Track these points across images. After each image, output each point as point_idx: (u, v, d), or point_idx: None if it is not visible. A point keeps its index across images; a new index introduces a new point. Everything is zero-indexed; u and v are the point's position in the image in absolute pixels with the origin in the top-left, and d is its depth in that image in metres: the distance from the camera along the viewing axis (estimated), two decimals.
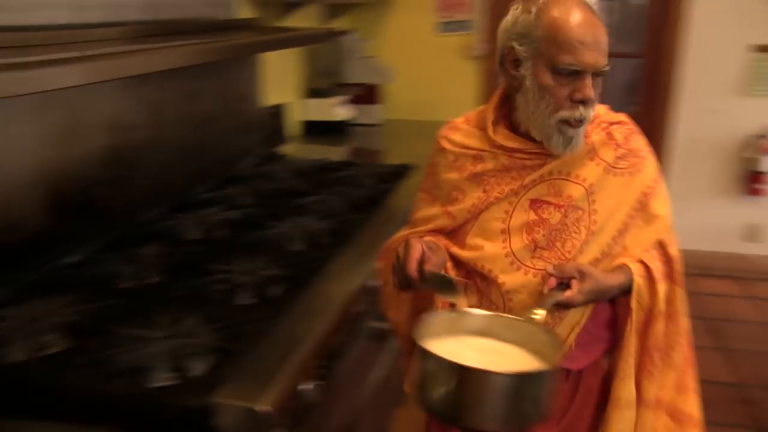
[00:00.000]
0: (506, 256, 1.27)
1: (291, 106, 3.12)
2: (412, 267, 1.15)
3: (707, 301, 3.74)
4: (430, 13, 3.81)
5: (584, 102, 1.20)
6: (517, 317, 1.20)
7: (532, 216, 1.28)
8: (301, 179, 2.34)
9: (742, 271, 4.04)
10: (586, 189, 1.28)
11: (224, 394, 1.11)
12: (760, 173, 3.80)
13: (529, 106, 1.24)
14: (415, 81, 3.82)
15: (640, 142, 1.38)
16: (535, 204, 1.29)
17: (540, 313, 1.17)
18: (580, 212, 1.27)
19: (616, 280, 1.26)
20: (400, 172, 2.47)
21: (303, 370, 1.24)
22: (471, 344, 1.17)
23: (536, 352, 1.14)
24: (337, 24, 3.64)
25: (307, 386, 1.24)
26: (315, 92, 3.28)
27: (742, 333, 3.39)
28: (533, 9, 1.21)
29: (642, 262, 1.28)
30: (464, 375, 1.02)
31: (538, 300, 1.21)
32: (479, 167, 1.31)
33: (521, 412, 1.05)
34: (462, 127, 1.37)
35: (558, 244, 1.26)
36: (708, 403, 1.43)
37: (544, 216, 1.27)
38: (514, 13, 1.25)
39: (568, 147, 1.23)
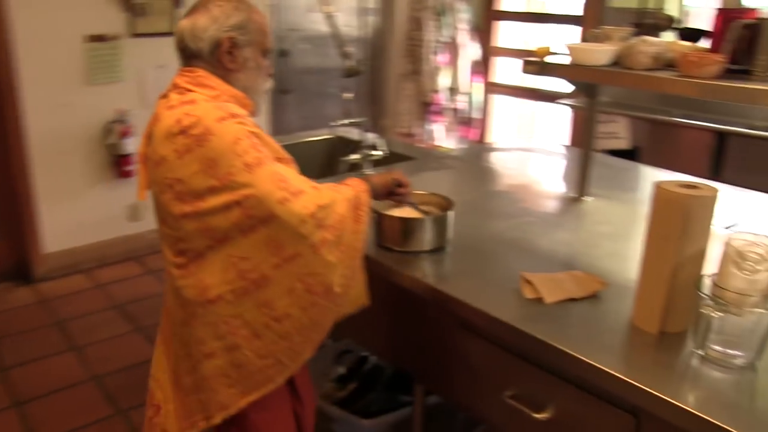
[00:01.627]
0: None
1: None
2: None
3: (115, 289, 3.79)
4: None
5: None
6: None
7: None
8: None
9: (138, 250, 4.21)
10: None
11: None
12: (126, 155, 3.95)
13: (249, 80, 1.57)
14: None
15: None
16: None
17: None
18: None
19: None
20: None
21: None
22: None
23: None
24: None
25: None
26: None
27: (152, 308, 3.56)
28: (243, 7, 1.54)
29: None
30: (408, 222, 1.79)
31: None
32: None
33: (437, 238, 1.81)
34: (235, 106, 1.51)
35: None
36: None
37: None
38: (224, 10, 1.51)
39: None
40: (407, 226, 1.79)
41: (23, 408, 2.74)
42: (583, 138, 2.20)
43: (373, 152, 2.46)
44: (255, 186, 1.36)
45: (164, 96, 1.52)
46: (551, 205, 2.25)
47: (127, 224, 4.20)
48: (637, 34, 1.90)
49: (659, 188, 1.33)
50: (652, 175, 2.88)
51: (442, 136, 5.46)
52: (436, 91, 5.17)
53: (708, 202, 1.31)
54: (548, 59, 1.89)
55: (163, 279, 1.59)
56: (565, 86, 4.87)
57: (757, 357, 1.27)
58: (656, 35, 1.89)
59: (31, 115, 3.69)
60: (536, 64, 1.87)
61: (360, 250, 1.53)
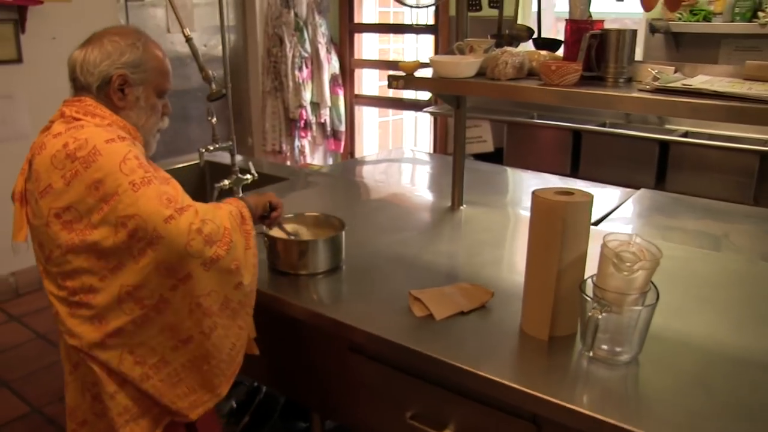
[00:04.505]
0: None
1: None
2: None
3: None
4: None
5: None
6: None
7: None
8: None
9: None
10: None
11: None
12: None
13: (140, 119, 1.52)
14: None
15: None
16: None
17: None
18: None
19: None
20: None
21: None
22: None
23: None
24: None
25: None
26: None
27: (15, 359, 3.25)
28: (140, 45, 1.49)
29: None
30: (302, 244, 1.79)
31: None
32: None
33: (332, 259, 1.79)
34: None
35: None
36: None
37: None
38: (118, 46, 1.46)
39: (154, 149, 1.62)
40: (301, 248, 1.76)
41: None
42: (454, 148, 2.24)
43: (245, 176, 2.38)
44: (140, 206, 1.30)
45: (47, 128, 1.44)
46: (429, 217, 2.27)
47: None
48: (498, 45, 1.96)
49: (536, 197, 1.37)
50: (519, 178, 3.00)
51: (310, 150, 5.43)
52: (300, 107, 5.13)
53: (584, 207, 1.35)
54: (417, 74, 1.90)
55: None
56: (426, 94, 4.99)
57: (639, 351, 1.34)
58: (516, 46, 1.95)
59: None
60: (402, 78, 1.87)
61: (256, 267, 1.50)
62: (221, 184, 2.35)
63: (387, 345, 1.45)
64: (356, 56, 5.53)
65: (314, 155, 5.53)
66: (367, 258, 1.88)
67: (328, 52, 5.25)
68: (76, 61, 1.47)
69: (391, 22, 5.67)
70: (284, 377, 1.84)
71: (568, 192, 1.38)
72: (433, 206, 2.36)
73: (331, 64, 5.29)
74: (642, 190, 2.62)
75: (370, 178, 2.91)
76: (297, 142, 5.26)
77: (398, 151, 3.86)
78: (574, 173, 3.89)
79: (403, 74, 1.90)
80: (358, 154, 5.72)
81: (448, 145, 4.96)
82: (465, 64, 1.79)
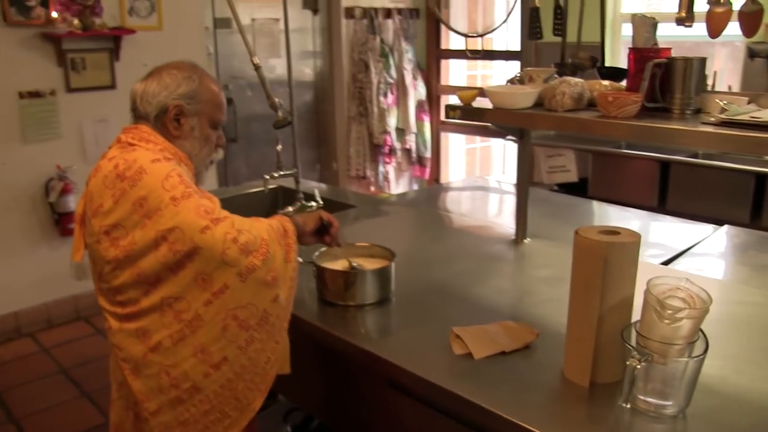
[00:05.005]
0: None
1: None
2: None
3: (61, 353, 3.64)
4: None
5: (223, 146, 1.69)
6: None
7: None
8: None
9: (86, 309, 4.07)
10: None
11: None
12: (69, 213, 3.84)
13: (194, 149, 1.58)
14: None
15: None
16: None
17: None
18: None
19: None
20: None
21: None
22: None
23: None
24: None
25: None
26: None
27: (100, 370, 3.41)
28: (195, 78, 1.56)
29: None
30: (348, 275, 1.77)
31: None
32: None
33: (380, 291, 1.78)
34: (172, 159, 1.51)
35: None
36: None
37: None
38: (175, 78, 1.54)
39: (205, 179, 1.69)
40: (349, 279, 1.75)
41: None
42: (518, 179, 2.18)
43: (310, 203, 2.41)
44: (179, 217, 1.37)
45: (105, 153, 1.54)
46: (491, 249, 2.21)
47: (74, 283, 4.04)
48: (560, 74, 1.90)
49: (578, 236, 1.30)
50: (598, 211, 2.88)
51: (395, 176, 5.45)
52: (385, 132, 5.17)
53: (629, 248, 1.28)
54: (474, 104, 1.87)
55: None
56: None
57: (686, 404, 1.24)
58: (578, 75, 1.88)
59: None
60: (458, 108, 1.85)
61: (294, 280, 1.52)
62: (284, 210, 2.39)
63: (421, 383, 1.41)
64: (443, 82, 5.52)
65: (399, 181, 5.55)
66: (418, 290, 1.85)
67: (414, 78, 5.28)
68: (136, 92, 1.55)
69: (479, 48, 5.64)
70: (328, 406, 1.83)
71: (613, 231, 1.31)
72: (498, 238, 2.30)
73: (417, 90, 5.31)
74: (726, 227, 2.45)
75: (441, 207, 2.88)
76: (381, 168, 5.29)
77: (481, 180, 3.81)
78: (662, 206, 3.69)
79: (461, 104, 1.87)
80: (443, 181, 5.69)
81: (535, 173, 4.85)
82: (521, 95, 1.75)
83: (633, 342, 1.24)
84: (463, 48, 5.52)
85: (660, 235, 2.45)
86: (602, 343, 1.30)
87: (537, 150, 4.63)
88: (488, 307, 1.74)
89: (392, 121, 5.20)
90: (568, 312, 1.36)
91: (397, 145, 5.32)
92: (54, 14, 3.62)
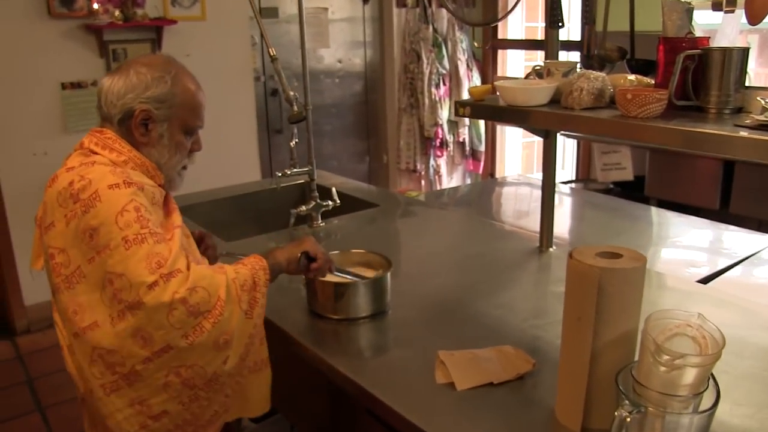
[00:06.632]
0: None
1: None
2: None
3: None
4: None
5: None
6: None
7: None
8: None
9: None
10: None
11: None
12: None
13: (162, 157, 1.42)
14: None
15: None
16: None
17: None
18: None
19: None
20: None
21: None
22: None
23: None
24: None
25: None
26: None
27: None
28: (168, 78, 1.39)
29: None
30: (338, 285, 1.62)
31: None
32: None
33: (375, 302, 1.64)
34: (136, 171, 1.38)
35: None
36: None
37: None
38: (143, 78, 1.37)
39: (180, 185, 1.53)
40: (339, 290, 1.61)
41: None
42: (543, 181, 1.98)
43: (325, 202, 2.28)
44: (127, 265, 1.19)
45: (68, 155, 1.40)
46: (510, 259, 2.01)
47: None
48: (587, 66, 1.69)
49: (572, 259, 1.12)
50: (649, 216, 2.64)
51: (447, 170, 5.27)
52: (436, 125, 4.99)
53: (630, 275, 1.08)
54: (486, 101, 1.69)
55: None
56: None
57: None
58: (605, 69, 1.67)
59: (5, 167, 3.62)
60: (467, 105, 1.67)
61: (254, 337, 1.34)
62: (298, 209, 2.27)
63: (393, 415, 1.26)
64: (500, 73, 5.28)
65: (452, 175, 5.36)
66: (418, 304, 1.69)
67: (469, 68, 5.07)
68: (101, 89, 1.39)
69: (539, 38, 5.36)
70: (315, 425, 1.70)
71: (615, 253, 1.11)
72: (521, 246, 2.10)
73: (471, 81, 5.10)
74: None
75: (471, 208, 2.70)
76: (432, 161, 5.12)
77: (529, 178, 3.58)
78: (724, 208, 3.38)
79: (470, 101, 1.69)
80: (498, 176, 5.46)
81: (591, 170, 4.57)
82: (535, 91, 1.56)
83: (629, 387, 1.05)
84: (522, 38, 5.27)
85: (714, 243, 2.20)
86: (597, 383, 1.11)
87: (594, 146, 4.34)
88: (490, 327, 1.56)
89: (444, 113, 5.01)
90: (560, 346, 1.18)
91: (450, 137, 5.13)
92: (95, 6, 3.62)
